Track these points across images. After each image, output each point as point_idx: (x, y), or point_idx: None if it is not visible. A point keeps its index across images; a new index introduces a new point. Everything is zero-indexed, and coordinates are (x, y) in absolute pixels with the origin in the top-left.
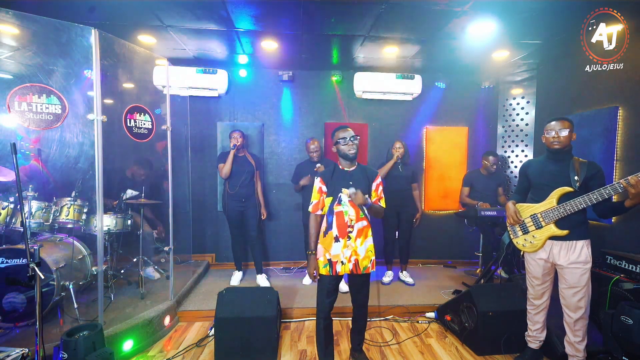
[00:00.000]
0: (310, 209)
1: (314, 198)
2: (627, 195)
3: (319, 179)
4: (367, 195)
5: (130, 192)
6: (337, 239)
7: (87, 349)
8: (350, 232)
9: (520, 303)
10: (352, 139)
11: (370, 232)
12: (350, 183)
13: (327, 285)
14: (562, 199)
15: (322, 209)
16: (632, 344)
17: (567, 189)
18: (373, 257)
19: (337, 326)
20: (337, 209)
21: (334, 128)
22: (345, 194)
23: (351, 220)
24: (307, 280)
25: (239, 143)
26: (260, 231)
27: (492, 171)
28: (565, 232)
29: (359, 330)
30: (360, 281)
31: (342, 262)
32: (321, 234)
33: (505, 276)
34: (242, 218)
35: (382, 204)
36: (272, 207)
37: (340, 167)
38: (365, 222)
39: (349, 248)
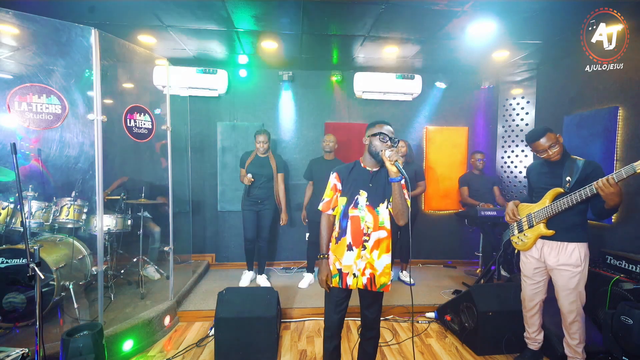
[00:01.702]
0: (320, 207)
1: (327, 195)
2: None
3: (334, 174)
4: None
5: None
6: (350, 248)
7: (74, 352)
8: (366, 241)
9: (519, 303)
10: (392, 140)
11: (391, 245)
12: (370, 185)
13: (336, 298)
14: (556, 199)
15: (333, 209)
16: (632, 344)
17: (560, 190)
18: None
19: None
20: (352, 212)
21: (333, 128)
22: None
23: (368, 228)
24: (303, 283)
25: (262, 149)
26: (272, 235)
27: (480, 167)
28: (551, 232)
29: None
30: (371, 296)
31: (354, 275)
32: (333, 239)
33: (505, 275)
34: (257, 220)
35: (408, 203)
36: (276, 206)
37: (362, 165)
38: (384, 232)
39: (363, 259)
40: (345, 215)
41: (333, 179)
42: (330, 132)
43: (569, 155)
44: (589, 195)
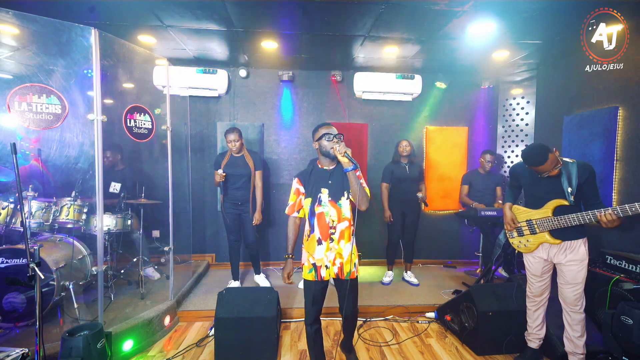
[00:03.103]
0: (286, 210)
1: (291, 199)
2: None
3: (296, 179)
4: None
5: (113, 186)
6: (319, 242)
7: (64, 353)
8: (333, 233)
9: (520, 303)
10: (337, 136)
11: (351, 234)
12: (330, 182)
13: (313, 292)
14: (557, 210)
15: (298, 211)
16: (632, 344)
17: (563, 202)
18: (356, 260)
19: (337, 326)
20: (317, 210)
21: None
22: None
23: (333, 222)
24: (302, 283)
25: (236, 147)
26: (260, 238)
27: (488, 169)
28: (558, 241)
29: (350, 329)
30: (344, 287)
31: (326, 266)
32: (305, 237)
33: (505, 275)
34: (239, 223)
35: (366, 190)
36: (272, 207)
37: (320, 166)
38: (347, 223)
39: (332, 251)
40: (312, 213)
41: (295, 184)
42: None
43: (561, 159)
44: (598, 220)
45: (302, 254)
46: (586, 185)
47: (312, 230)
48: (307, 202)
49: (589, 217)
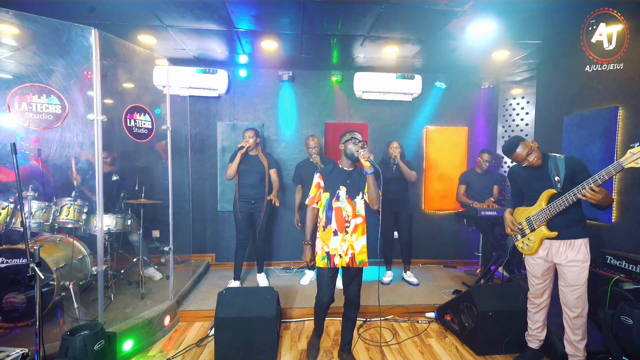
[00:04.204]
0: (307, 201)
1: (312, 192)
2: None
3: (318, 174)
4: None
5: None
6: (335, 233)
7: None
8: (348, 227)
9: (520, 303)
10: (362, 142)
11: (365, 229)
12: (348, 182)
13: (327, 275)
14: (551, 200)
15: (317, 203)
16: (632, 344)
17: (553, 191)
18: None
19: (337, 326)
20: (335, 204)
21: (333, 128)
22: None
23: (348, 216)
24: (305, 280)
25: (249, 144)
26: (268, 236)
27: (485, 168)
28: (554, 233)
29: (349, 328)
30: (353, 273)
31: (339, 255)
32: (320, 228)
33: (506, 275)
34: (251, 221)
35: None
36: (273, 207)
37: (340, 166)
38: (360, 219)
39: (346, 242)
40: (329, 207)
41: (317, 178)
42: (329, 132)
43: (548, 155)
44: (579, 197)
45: (315, 242)
46: (577, 175)
47: (328, 222)
48: (324, 196)
49: (571, 197)
